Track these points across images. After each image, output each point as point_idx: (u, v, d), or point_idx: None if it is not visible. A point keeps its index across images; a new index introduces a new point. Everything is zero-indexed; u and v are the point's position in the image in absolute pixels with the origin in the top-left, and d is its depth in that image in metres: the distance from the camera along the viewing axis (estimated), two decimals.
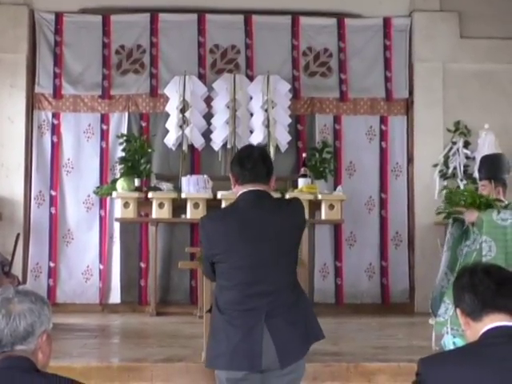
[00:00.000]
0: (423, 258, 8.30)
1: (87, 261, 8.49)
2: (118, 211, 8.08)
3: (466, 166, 8.39)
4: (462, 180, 8.32)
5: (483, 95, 8.61)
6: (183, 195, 7.92)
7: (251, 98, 8.44)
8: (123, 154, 8.19)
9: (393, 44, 8.82)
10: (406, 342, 6.35)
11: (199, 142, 8.39)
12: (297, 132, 8.71)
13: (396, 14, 8.85)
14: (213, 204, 7.70)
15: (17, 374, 2.44)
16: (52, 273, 8.46)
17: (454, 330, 5.06)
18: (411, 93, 8.76)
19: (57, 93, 8.62)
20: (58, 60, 8.65)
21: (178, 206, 7.95)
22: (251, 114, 8.43)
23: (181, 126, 8.26)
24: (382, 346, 6.10)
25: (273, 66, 8.56)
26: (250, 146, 4.13)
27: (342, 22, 8.80)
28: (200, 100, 8.43)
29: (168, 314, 7.92)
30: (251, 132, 8.40)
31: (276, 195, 6.35)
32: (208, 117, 8.43)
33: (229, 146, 8.32)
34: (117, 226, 8.43)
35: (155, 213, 7.89)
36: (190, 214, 7.87)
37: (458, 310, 2.69)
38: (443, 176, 8.44)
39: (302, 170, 8.21)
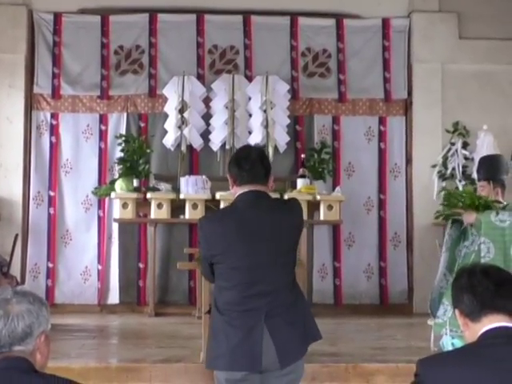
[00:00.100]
0: (422, 259, 8.30)
1: (86, 261, 8.48)
2: (117, 212, 8.08)
3: (464, 167, 8.40)
4: (460, 181, 8.33)
5: (482, 96, 8.61)
6: (182, 196, 7.92)
7: (250, 99, 8.44)
8: (122, 155, 8.20)
9: (392, 45, 8.82)
10: (405, 343, 6.35)
11: (198, 143, 8.39)
12: (295, 133, 8.71)
13: (395, 15, 8.85)
14: (211, 204, 7.69)
15: (15, 375, 2.43)
16: (50, 273, 8.45)
17: (452, 331, 5.06)
18: (410, 93, 8.77)
19: (55, 93, 8.62)
20: (56, 60, 8.65)
21: (177, 207, 7.95)
22: (250, 115, 8.43)
23: (179, 127, 8.26)
24: (381, 347, 6.11)
25: (271, 67, 8.56)
26: (247, 147, 4.11)
27: (341, 23, 8.81)
28: (199, 100, 8.43)
29: (167, 314, 7.93)
30: (250, 132, 8.40)
31: (274, 196, 6.35)
32: (207, 117, 8.43)
33: (227, 147, 8.31)
34: (115, 226, 8.43)
35: (154, 213, 7.90)
36: (189, 214, 7.87)
37: (457, 311, 2.69)
38: (442, 177, 8.44)
39: (301, 170, 8.22)
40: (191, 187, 7.95)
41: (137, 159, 8.12)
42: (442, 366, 2.52)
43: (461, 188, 8.10)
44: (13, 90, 8.45)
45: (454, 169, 8.40)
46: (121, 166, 8.15)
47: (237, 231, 3.55)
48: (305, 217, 6.49)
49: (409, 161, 8.72)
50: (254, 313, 3.48)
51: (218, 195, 7.81)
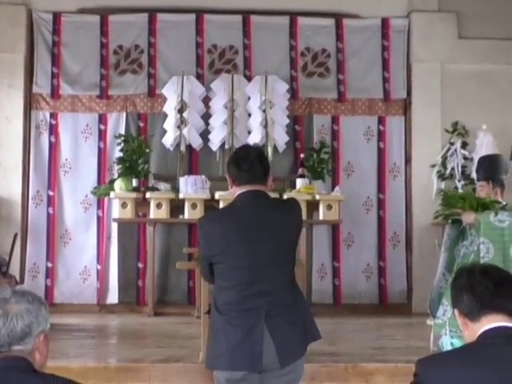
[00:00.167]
0: (421, 259, 8.30)
1: (85, 261, 8.48)
2: (116, 211, 8.07)
3: (463, 167, 8.40)
4: (459, 181, 8.33)
5: (481, 96, 8.61)
6: (181, 195, 7.92)
7: (249, 99, 8.44)
8: (121, 154, 8.19)
9: (391, 44, 8.82)
10: (404, 343, 6.35)
11: (197, 143, 8.39)
12: (295, 132, 8.71)
13: (394, 15, 8.85)
14: (211, 204, 7.69)
15: (14, 375, 2.43)
16: (49, 273, 8.45)
17: (452, 331, 5.06)
18: (409, 93, 8.77)
19: (55, 93, 8.62)
20: (55, 60, 8.64)
21: (176, 207, 7.94)
22: (249, 115, 8.43)
23: (179, 127, 8.25)
24: (380, 347, 6.10)
25: (271, 67, 8.56)
26: (246, 147, 4.10)
27: (340, 23, 8.81)
28: (198, 100, 8.42)
29: (166, 314, 7.92)
30: (249, 132, 8.39)
31: (274, 195, 6.34)
32: (206, 117, 8.43)
33: (227, 147, 8.31)
34: (114, 226, 8.42)
35: (153, 213, 7.89)
36: (188, 214, 7.87)
37: (456, 311, 2.69)
38: (441, 177, 8.44)
39: (300, 170, 8.22)
40: (190, 187, 7.94)
41: (136, 159, 8.12)
42: (441, 366, 2.52)
43: (460, 188, 8.11)
44: (12, 89, 8.45)
45: (453, 169, 8.40)
46: (120, 166, 8.14)
47: (236, 231, 3.55)
48: (304, 217, 6.49)
49: (408, 160, 8.72)
50: (253, 312, 3.48)
51: (217, 195, 7.81)
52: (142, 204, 8.02)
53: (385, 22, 8.82)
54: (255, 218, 3.56)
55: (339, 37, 8.81)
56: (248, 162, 3.61)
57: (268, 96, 8.32)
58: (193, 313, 7.47)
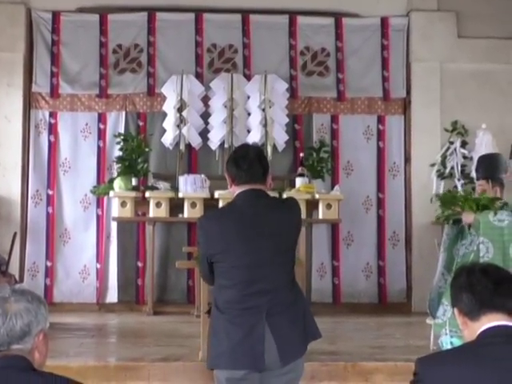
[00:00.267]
0: (420, 258, 8.30)
1: (84, 260, 8.48)
2: (115, 210, 8.07)
3: (463, 166, 8.40)
4: (459, 180, 8.33)
5: (481, 95, 8.62)
6: (180, 194, 7.91)
7: (248, 98, 8.44)
8: (120, 154, 8.19)
9: (390, 44, 8.82)
10: (403, 342, 6.35)
11: (196, 142, 8.39)
12: (294, 131, 8.71)
13: (393, 14, 8.85)
14: (210, 203, 7.69)
15: (13, 374, 2.43)
16: (49, 272, 8.45)
17: (452, 331, 5.06)
18: (408, 92, 8.77)
19: (54, 92, 8.61)
20: (55, 59, 8.64)
21: (176, 206, 7.94)
22: (248, 114, 8.43)
23: (178, 126, 8.25)
24: (380, 346, 6.10)
25: (270, 66, 8.56)
26: (245, 146, 4.09)
27: (340, 22, 8.80)
28: (197, 99, 8.42)
29: (165, 313, 7.92)
30: (248, 131, 8.39)
31: (273, 195, 6.34)
32: (205, 116, 8.43)
33: (226, 146, 8.31)
34: (114, 225, 8.42)
35: (152, 212, 7.89)
36: (187, 213, 7.87)
37: (456, 310, 2.68)
38: (440, 176, 8.44)
39: (300, 169, 8.21)
40: (190, 186, 7.94)
41: (135, 158, 8.12)
42: (441, 365, 2.52)
43: (460, 187, 8.11)
44: (11, 88, 8.44)
45: (452, 168, 8.40)
46: (119, 165, 8.14)
47: (236, 229, 3.56)
48: (303, 216, 6.51)
49: (407, 160, 8.72)
50: (254, 311, 3.48)
51: (216, 194, 7.80)
52: (142, 203, 8.02)
53: (384, 21, 8.82)
54: (255, 216, 3.57)
55: (339, 36, 8.81)
56: (247, 161, 3.61)
57: (267, 95, 8.32)
58: (192, 312, 7.47)
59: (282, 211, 3.67)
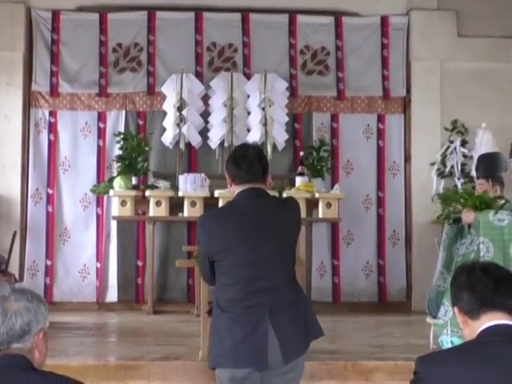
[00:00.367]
0: (420, 257, 8.30)
1: (84, 259, 8.48)
2: (115, 209, 8.07)
3: (463, 165, 8.40)
4: (459, 179, 8.33)
5: (480, 94, 8.61)
6: (180, 193, 7.91)
7: (248, 97, 8.44)
8: (120, 152, 8.18)
9: (390, 42, 8.82)
10: (403, 341, 6.35)
11: (196, 140, 8.38)
12: (294, 130, 8.70)
13: (393, 13, 8.85)
14: (210, 202, 7.69)
15: (13, 373, 2.43)
16: (49, 271, 8.45)
17: (454, 331, 5.06)
18: (408, 91, 8.77)
19: (54, 91, 8.61)
20: (54, 58, 8.63)
21: (175, 205, 7.94)
22: (248, 113, 8.43)
23: (178, 124, 8.25)
24: (380, 345, 6.10)
25: (270, 65, 8.56)
26: (245, 146, 4.09)
27: (340, 21, 8.80)
28: (197, 98, 8.42)
29: (165, 312, 7.92)
30: (248, 130, 8.39)
31: (273, 194, 6.34)
32: (205, 115, 8.43)
33: (226, 145, 8.31)
34: (114, 224, 8.42)
35: (152, 211, 7.89)
36: (187, 212, 7.86)
37: (456, 309, 2.68)
38: (440, 175, 8.44)
39: (300, 168, 8.21)
40: (190, 185, 7.94)
41: (135, 157, 8.11)
42: (441, 364, 2.52)
43: (460, 186, 8.11)
44: (11, 87, 8.44)
45: (452, 167, 8.40)
46: (119, 164, 8.13)
47: (237, 228, 3.56)
48: (303, 214, 6.52)
49: (407, 159, 8.72)
50: (257, 309, 3.49)
51: (216, 193, 7.80)
52: (142, 202, 8.02)
53: (384, 20, 8.82)
54: (255, 215, 3.58)
55: (338, 35, 8.81)
56: (247, 161, 3.62)
57: (267, 94, 8.31)
58: (192, 311, 7.47)
59: (282, 210, 3.69)
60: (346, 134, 8.75)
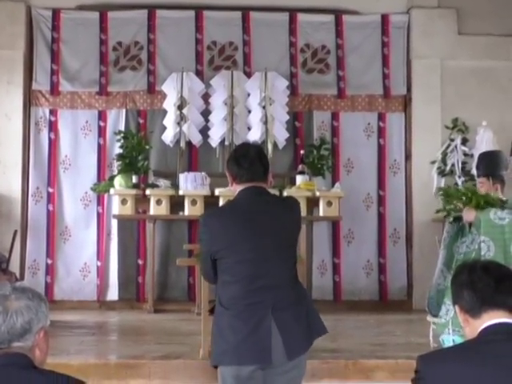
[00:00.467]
0: (421, 255, 8.29)
1: (85, 258, 8.48)
2: (116, 208, 8.07)
3: (463, 163, 8.39)
4: (459, 177, 8.32)
5: (481, 92, 8.61)
6: (181, 192, 7.91)
7: (249, 95, 8.44)
8: (121, 151, 8.18)
9: (391, 41, 8.81)
10: (404, 339, 6.35)
11: (197, 139, 8.38)
12: (295, 129, 8.70)
13: (394, 11, 8.84)
14: (211, 201, 7.69)
15: (14, 371, 2.43)
16: (49, 270, 8.45)
17: (455, 331, 5.06)
18: (409, 90, 8.76)
19: (54, 89, 8.61)
20: (55, 57, 8.63)
21: (176, 203, 7.93)
22: (249, 111, 8.43)
23: (178, 123, 8.25)
24: (380, 343, 6.10)
25: (270, 63, 8.55)
26: (245, 145, 4.12)
27: (340, 19, 8.79)
28: (197, 97, 8.42)
29: (166, 311, 7.92)
30: (249, 129, 8.39)
31: (274, 192, 6.34)
32: (206, 113, 8.43)
33: (226, 143, 8.31)
34: (114, 222, 8.42)
35: (153, 210, 7.88)
36: (188, 210, 7.86)
37: (457, 307, 2.68)
38: (441, 173, 8.44)
39: (300, 166, 8.21)
40: (190, 183, 7.93)
41: (136, 155, 8.11)
42: (442, 362, 2.52)
43: (460, 184, 8.10)
44: (11, 86, 8.44)
45: (453, 165, 8.39)
46: (120, 163, 8.13)
47: (239, 226, 3.58)
48: (304, 213, 6.51)
49: (408, 157, 8.71)
50: (260, 306, 3.50)
51: (217, 191, 7.79)
52: (142, 200, 8.02)
53: (384, 19, 8.82)
54: (256, 213, 3.59)
55: (339, 33, 8.80)
56: (248, 160, 3.63)
57: (268, 92, 8.31)
58: (193, 309, 7.48)
59: (283, 209, 3.71)
60: (346, 132, 8.75)
